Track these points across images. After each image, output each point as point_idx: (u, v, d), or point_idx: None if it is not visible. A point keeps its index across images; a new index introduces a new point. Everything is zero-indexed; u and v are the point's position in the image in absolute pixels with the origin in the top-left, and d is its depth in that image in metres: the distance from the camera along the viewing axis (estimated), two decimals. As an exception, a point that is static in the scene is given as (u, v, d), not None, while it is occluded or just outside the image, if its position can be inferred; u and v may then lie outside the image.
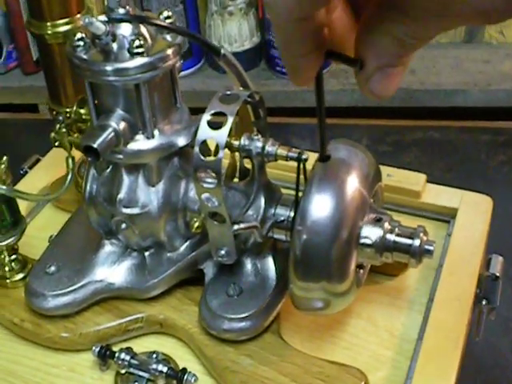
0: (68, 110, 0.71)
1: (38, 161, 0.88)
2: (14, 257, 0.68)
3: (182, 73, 1.33)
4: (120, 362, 0.62)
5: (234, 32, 1.32)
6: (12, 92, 1.41)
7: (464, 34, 1.43)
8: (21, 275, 0.69)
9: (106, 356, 0.63)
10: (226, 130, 0.55)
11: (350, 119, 1.29)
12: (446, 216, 0.77)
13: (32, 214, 0.82)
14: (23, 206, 0.79)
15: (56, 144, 0.71)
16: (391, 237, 0.58)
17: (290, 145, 0.60)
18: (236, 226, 0.57)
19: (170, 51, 0.57)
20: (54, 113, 0.72)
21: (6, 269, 0.69)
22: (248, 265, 0.64)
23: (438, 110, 1.29)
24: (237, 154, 0.62)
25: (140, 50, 0.55)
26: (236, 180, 0.65)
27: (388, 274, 0.71)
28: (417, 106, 1.29)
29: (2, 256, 0.68)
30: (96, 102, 0.59)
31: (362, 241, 0.57)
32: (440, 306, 0.66)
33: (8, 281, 0.69)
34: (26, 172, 0.86)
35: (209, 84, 1.32)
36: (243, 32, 1.32)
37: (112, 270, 0.66)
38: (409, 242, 0.58)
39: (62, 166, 0.84)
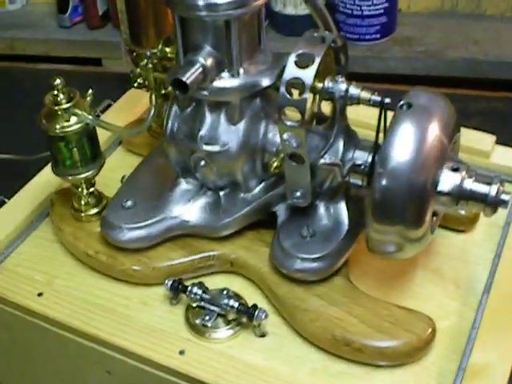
0: (148, 51, 0.72)
1: (109, 106, 0.90)
2: (91, 190, 0.70)
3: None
4: (192, 296, 0.63)
5: (299, -6, 1.32)
6: (77, 46, 1.43)
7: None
8: (95, 210, 0.71)
9: (178, 290, 0.64)
10: (313, 69, 0.56)
11: (411, 86, 1.28)
12: (514, 177, 0.77)
13: (104, 155, 0.84)
14: (96, 146, 0.81)
15: (136, 84, 0.72)
16: (468, 185, 0.58)
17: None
18: (322, 161, 0.58)
19: (261, -11, 0.57)
20: (134, 54, 0.73)
21: (82, 202, 0.71)
22: (321, 208, 0.65)
23: (500, 81, 1.28)
24: (316, 98, 0.63)
25: (232, -15, 0.56)
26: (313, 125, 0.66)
27: (456, 230, 0.72)
28: (480, 77, 1.28)
29: (80, 189, 0.70)
30: (184, 38, 0.60)
31: (440, 188, 0.58)
32: (507, 263, 0.67)
33: (83, 214, 0.71)
34: (99, 116, 0.88)
35: (272, 46, 1.32)
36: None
37: (187, 207, 0.67)
38: (485, 190, 0.58)
39: (133, 111, 0.87)
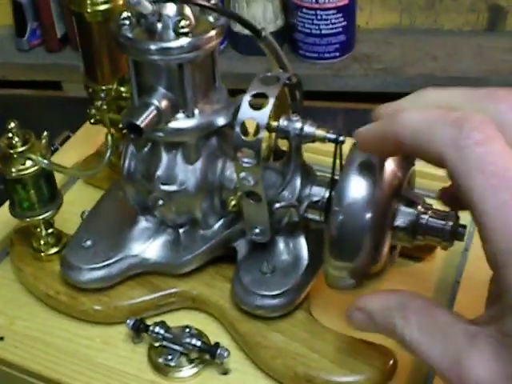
0: (104, 87, 0.72)
1: (68, 137, 0.90)
2: (50, 231, 0.70)
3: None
4: (154, 336, 0.63)
5: (258, 14, 1.32)
6: (35, 69, 1.42)
7: (486, 22, 1.43)
8: (55, 249, 0.71)
9: (139, 329, 0.64)
10: (267, 110, 0.56)
11: (371, 104, 1.29)
12: (473, 201, 0.78)
13: (63, 190, 0.83)
14: (54, 181, 0.80)
15: (92, 121, 0.72)
16: (424, 220, 0.59)
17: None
18: (277, 205, 0.58)
19: (213, 32, 0.58)
20: (90, 90, 0.73)
21: (42, 242, 0.70)
22: (281, 244, 0.65)
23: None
24: (272, 134, 0.63)
25: (185, 30, 0.56)
26: (271, 161, 0.66)
27: (414, 258, 0.73)
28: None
29: (39, 230, 0.70)
30: (138, 80, 0.60)
31: (397, 223, 0.58)
32: (466, 290, 0.68)
33: (43, 254, 0.71)
34: (57, 148, 0.88)
35: (232, 66, 1.32)
36: (267, 15, 1.32)
37: (147, 245, 0.67)
38: (441, 225, 0.59)
39: (93, 143, 0.87)
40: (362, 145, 0.53)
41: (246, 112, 0.56)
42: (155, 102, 0.59)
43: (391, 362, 0.60)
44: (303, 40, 1.32)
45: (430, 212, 0.60)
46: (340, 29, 1.30)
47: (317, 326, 0.63)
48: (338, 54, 1.33)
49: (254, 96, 0.57)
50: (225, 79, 0.66)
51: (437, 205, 0.61)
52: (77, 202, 0.78)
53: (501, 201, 0.42)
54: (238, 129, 0.57)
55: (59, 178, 0.81)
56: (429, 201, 0.62)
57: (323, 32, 1.30)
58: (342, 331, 0.63)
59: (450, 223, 0.59)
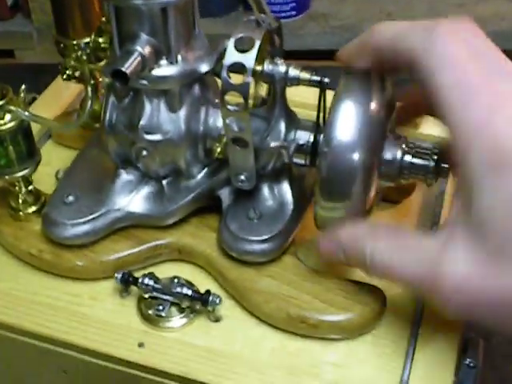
0: (75, 42, 0.70)
1: (34, 99, 0.88)
2: (30, 188, 0.68)
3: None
4: (144, 287, 0.63)
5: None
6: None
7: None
8: (34, 208, 0.69)
9: (129, 282, 0.64)
10: (253, 53, 0.56)
11: (330, 61, 1.30)
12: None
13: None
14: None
15: (64, 77, 0.71)
16: (409, 157, 0.60)
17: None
18: (273, 144, 0.59)
19: (196, -26, 0.57)
20: (62, 45, 0.72)
21: (20, 201, 0.69)
22: (265, 190, 0.66)
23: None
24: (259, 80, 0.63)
25: (168, -27, 0.55)
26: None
27: (391, 201, 0.74)
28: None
29: (18, 187, 0.68)
30: (119, 27, 0.59)
31: (384, 162, 0.59)
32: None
33: (21, 213, 0.69)
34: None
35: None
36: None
37: (130, 198, 0.67)
38: (426, 161, 0.60)
39: (59, 103, 0.85)
40: (342, 56, 0.58)
41: (232, 55, 0.56)
42: (139, 48, 0.58)
43: (381, 299, 0.62)
44: (259, -1, 1.32)
45: (413, 151, 0.61)
46: (295, -13, 1.30)
47: (305, 269, 0.64)
48: (294, 12, 1.33)
49: (239, 40, 0.57)
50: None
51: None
52: (49, 162, 0.77)
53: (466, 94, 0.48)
54: (224, 73, 0.56)
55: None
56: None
57: (279, -10, 1.30)
58: (329, 273, 0.64)
59: (434, 159, 0.60)
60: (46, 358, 0.63)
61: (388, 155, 0.59)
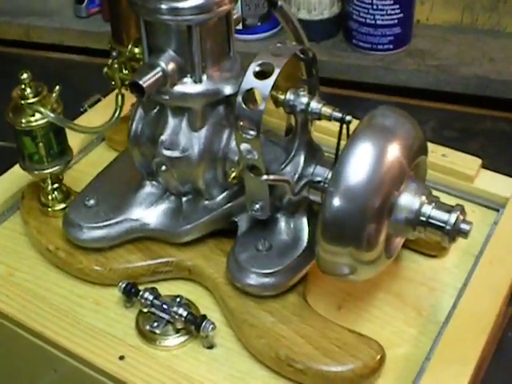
0: (115, 51, 0.71)
1: (98, 100, 0.90)
2: (56, 185, 0.70)
3: (258, 35, 1.33)
4: (143, 301, 0.62)
5: (313, 0, 1.30)
6: (91, 36, 1.43)
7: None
8: (62, 205, 0.71)
9: (130, 293, 0.63)
10: (270, 80, 0.54)
11: (420, 100, 1.26)
12: (496, 204, 0.74)
13: (85, 151, 0.83)
14: (77, 141, 0.81)
15: (113, 83, 0.72)
16: (426, 210, 0.56)
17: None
18: (265, 177, 0.57)
19: (225, -4, 0.56)
20: (114, 53, 0.72)
21: (49, 197, 0.71)
22: (282, 223, 0.64)
23: (510, 101, 1.24)
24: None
25: (195, -9, 0.55)
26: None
27: (426, 254, 0.70)
28: (491, 96, 1.25)
29: (46, 184, 0.70)
30: (149, 41, 0.59)
31: (395, 211, 0.56)
32: (473, 292, 0.65)
33: (49, 209, 0.71)
34: (86, 110, 0.88)
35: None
36: (323, 0, 1.30)
37: (148, 210, 0.66)
38: (443, 218, 0.56)
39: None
40: None
41: (249, 81, 0.55)
42: (162, 63, 0.58)
43: (378, 357, 0.58)
44: (357, 29, 1.29)
45: (433, 204, 0.57)
46: (396, 21, 1.26)
47: (308, 311, 0.62)
48: (391, 46, 1.30)
49: (260, 66, 0.55)
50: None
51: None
52: (97, 164, 0.78)
53: None
54: (240, 97, 0.55)
55: (81, 138, 0.82)
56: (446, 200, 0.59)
57: (378, 22, 1.27)
58: (335, 320, 0.61)
59: (454, 216, 0.56)
60: (38, 354, 0.64)
61: (402, 205, 0.56)
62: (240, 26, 1.30)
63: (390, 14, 1.25)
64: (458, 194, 0.76)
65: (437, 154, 0.76)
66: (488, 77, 1.24)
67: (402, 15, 1.26)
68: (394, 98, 1.27)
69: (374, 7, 1.25)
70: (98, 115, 0.87)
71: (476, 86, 1.24)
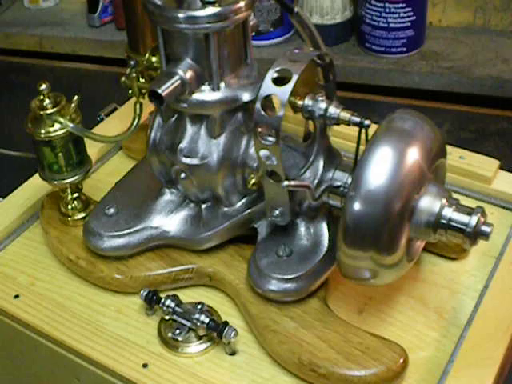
0: (133, 60, 0.72)
1: (115, 109, 0.90)
2: (76, 195, 0.70)
3: (271, 41, 1.34)
4: (165, 308, 0.63)
5: (326, 4, 1.30)
6: (104, 45, 1.44)
7: None
8: (82, 214, 0.71)
9: (152, 300, 0.64)
10: (289, 87, 0.54)
11: (435, 102, 1.26)
12: (516, 206, 0.74)
13: (103, 160, 0.84)
14: (95, 150, 0.81)
15: (130, 91, 0.72)
16: (447, 213, 0.56)
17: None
18: (286, 182, 0.57)
19: (242, 3, 0.57)
20: (132, 62, 0.73)
21: (69, 207, 0.71)
22: (301, 228, 0.64)
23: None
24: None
25: (212, -1, 0.55)
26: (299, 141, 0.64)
27: (447, 257, 0.70)
28: (505, 96, 1.25)
29: (66, 194, 0.70)
30: (167, 49, 0.59)
31: (416, 215, 0.56)
32: (494, 294, 0.64)
33: (69, 218, 0.71)
34: (103, 119, 0.88)
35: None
36: (336, 5, 1.30)
37: (168, 218, 0.67)
38: (464, 220, 0.56)
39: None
40: None
41: (267, 87, 0.55)
42: (180, 72, 0.58)
43: (401, 360, 0.58)
44: (370, 33, 1.30)
45: (454, 206, 0.57)
46: (408, 23, 1.27)
47: (330, 316, 0.62)
48: (404, 49, 1.30)
49: (278, 73, 0.55)
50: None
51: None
52: (115, 173, 0.79)
53: None
54: (258, 104, 0.55)
55: (98, 147, 0.82)
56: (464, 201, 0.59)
57: (391, 26, 1.27)
58: (356, 324, 0.61)
59: (475, 219, 0.56)
60: (61, 363, 0.64)
61: (422, 208, 0.56)
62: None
63: (403, 17, 1.26)
64: (476, 195, 0.76)
65: (454, 156, 0.76)
66: (502, 77, 1.24)
67: (414, 18, 1.26)
68: (407, 101, 1.27)
69: (387, 10, 1.25)
70: (114, 124, 0.88)
71: (490, 87, 1.24)
